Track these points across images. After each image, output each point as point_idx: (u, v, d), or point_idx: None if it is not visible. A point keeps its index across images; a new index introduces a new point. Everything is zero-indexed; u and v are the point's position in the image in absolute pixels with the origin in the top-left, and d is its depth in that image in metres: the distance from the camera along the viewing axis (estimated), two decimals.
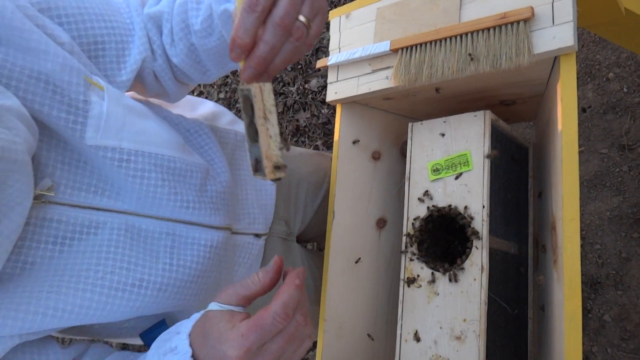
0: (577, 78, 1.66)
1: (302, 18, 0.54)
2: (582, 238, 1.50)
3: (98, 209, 0.65)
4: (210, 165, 0.78)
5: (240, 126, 0.93)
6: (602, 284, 1.42)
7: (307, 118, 2.21)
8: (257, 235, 0.89)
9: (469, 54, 0.78)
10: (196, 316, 0.59)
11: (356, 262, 0.96)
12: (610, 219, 1.47)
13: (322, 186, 1.07)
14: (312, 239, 1.18)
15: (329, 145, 2.13)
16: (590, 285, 1.43)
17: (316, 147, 2.17)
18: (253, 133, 0.56)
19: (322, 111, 2.19)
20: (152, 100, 0.83)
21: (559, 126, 0.71)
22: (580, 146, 1.60)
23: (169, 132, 0.72)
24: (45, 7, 0.62)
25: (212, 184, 0.77)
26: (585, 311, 1.42)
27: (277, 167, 0.56)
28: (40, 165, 0.60)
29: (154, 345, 0.62)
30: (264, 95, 0.54)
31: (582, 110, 1.63)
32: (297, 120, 2.26)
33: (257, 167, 0.57)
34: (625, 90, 1.56)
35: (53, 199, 0.61)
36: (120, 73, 0.69)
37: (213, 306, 0.57)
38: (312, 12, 0.55)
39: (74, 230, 0.63)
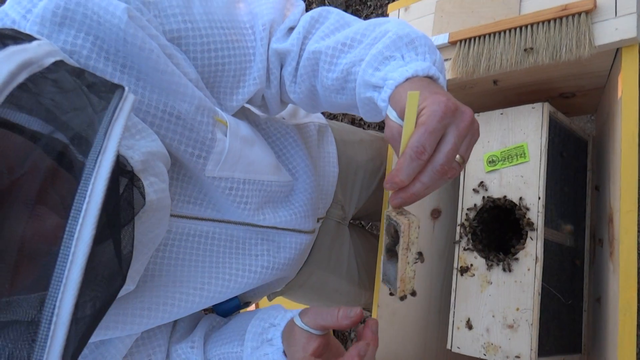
0: None
1: (457, 158, 0.54)
2: None
3: (202, 219, 0.71)
4: (295, 178, 0.84)
5: (314, 116, 0.97)
6: None
7: None
8: (317, 220, 0.92)
9: (525, 49, 0.78)
10: (288, 316, 0.67)
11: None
12: None
13: (379, 173, 1.09)
14: (363, 217, 1.22)
15: None
16: None
17: None
18: (391, 251, 0.62)
19: None
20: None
21: (619, 118, 0.71)
22: None
23: (267, 154, 0.77)
24: (177, 36, 0.64)
25: (299, 193, 0.83)
26: None
27: (408, 292, 0.62)
28: None
29: (251, 329, 0.70)
30: (410, 231, 0.57)
31: None
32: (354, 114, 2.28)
33: (385, 279, 0.64)
34: None
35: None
36: (232, 99, 0.72)
37: (297, 321, 0.64)
38: (467, 150, 0.56)
39: (181, 239, 0.69)
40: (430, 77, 0.60)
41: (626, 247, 0.67)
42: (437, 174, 0.53)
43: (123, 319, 0.65)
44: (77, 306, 0.37)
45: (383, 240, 0.63)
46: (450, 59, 0.89)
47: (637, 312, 0.65)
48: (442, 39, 0.89)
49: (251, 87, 0.72)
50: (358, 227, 1.16)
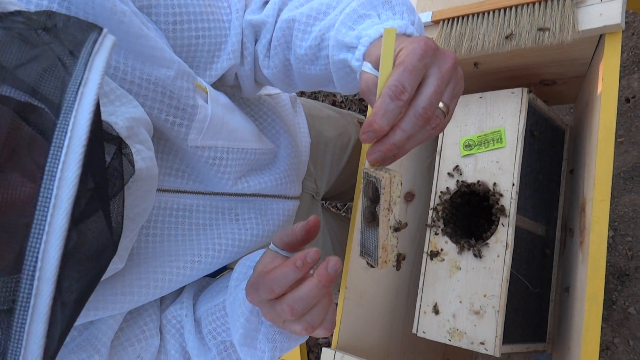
0: (624, 66, 1.61)
1: (441, 105, 0.50)
2: (614, 229, 1.47)
3: (185, 192, 0.67)
4: (277, 145, 0.81)
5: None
6: (630, 277, 1.40)
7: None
8: (301, 185, 0.90)
9: (506, 36, 0.76)
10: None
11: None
12: None
13: (347, 150, 1.08)
14: (332, 197, 1.20)
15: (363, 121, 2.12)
16: (618, 277, 1.41)
17: None
18: (369, 216, 0.54)
19: None
20: None
21: (598, 106, 0.70)
22: (620, 137, 1.56)
23: (248, 122, 0.74)
24: (146, 4, 0.60)
25: (282, 159, 0.80)
26: (610, 302, 1.40)
27: (391, 263, 0.56)
28: None
29: (234, 276, 0.66)
30: (392, 187, 0.51)
31: (625, 100, 1.58)
32: (334, 96, 2.26)
33: (364, 251, 0.57)
34: None
35: None
36: (205, 74, 0.68)
37: (270, 245, 0.60)
38: (452, 98, 0.51)
39: (164, 214, 0.66)
40: (408, 36, 0.55)
41: (596, 236, 0.66)
42: (420, 119, 0.48)
43: (112, 299, 0.61)
44: (61, 281, 0.33)
45: (360, 205, 0.55)
46: (432, 38, 0.86)
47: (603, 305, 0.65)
48: (425, 17, 0.87)
49: (224, 62, 0.69)
50: (329, 208, 1.15)
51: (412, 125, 0.48)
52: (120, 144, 0.47)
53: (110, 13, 0.53)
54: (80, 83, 0.34)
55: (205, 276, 0.78)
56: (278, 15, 0.69)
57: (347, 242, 0.94)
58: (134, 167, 0.49)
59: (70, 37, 0.38)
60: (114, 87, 0.52)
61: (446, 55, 0.50)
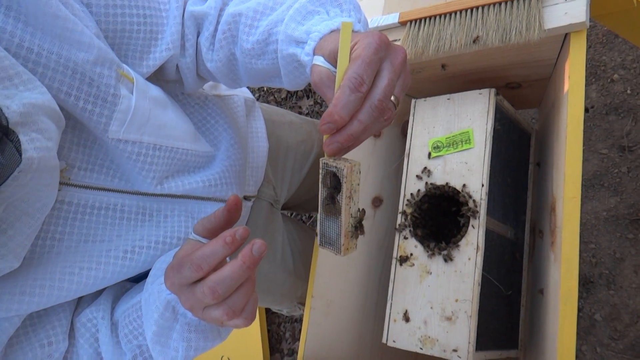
0: None
1: (392, 98, 0.52)
2: None
3: (109, 190, 0.63)
4: (217, 148, 0.77)
5: (239, 90, 0.91)
6: (595, 284, 1.41)
7: (310, 105, 2.18)
8: (247, 198, 0.87)
9: (473, 40, 0.76)
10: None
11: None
12: (606, 219, 1.45)
13: (310, 156, 1.05)
14: (295, 207, 1.17)
15: None
16: (583, 284, 1.42)
17: None
18: (329, 206, 0.56)
19: None
20: None
21: (565, 104, 0.69)
22: None
23: (183, 121, 0.71)
24: None
25: (218, 162, 0.76)
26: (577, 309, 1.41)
27: (352, 250, 0.57)
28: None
29: (153, 272, 0.64)
30: (352, 176, 0.53)
31: (584, 110, 1.61)
32: (300, 107, 2.24)
33: (325, 240, 0.58)
34: (628, 92, 1.55)
35: (65, 180, 0.59)
36: (142, 64, 0.65)
37: (190, 234, 0.59)
38: (402, 91, 0.54)
39: (84, 212, 0.61)
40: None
41: (569, 234, 0.65)
42: (376, 110, 0.50)
43: (8, 299, 0.56)
44: None
45: (319, 195, 0.56)
46: (400, 39, 0.85)
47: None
48: (392, 18, 0.86)
49: (163, 52, 0.66)
50: (291, 218, 1.12)
51: (368, 116, 0.50)
52: (6, 132, 0.43)
53: None
54: None
55: (129, 280, 0.73)
56: (222, 9, 0.68)
57: (312, 250, 0.91)
58: (21, 155, 0.45)
59: None
60: (20, 71, 0.49)
61: (398, 50, 0.52)
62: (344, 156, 0.56)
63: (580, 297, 1.41)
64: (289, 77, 0.65)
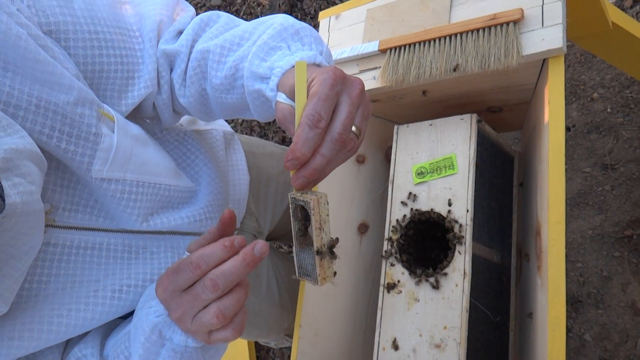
0: None
1: (354, 128, 0.53)
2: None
3: (95, 229, 0.63)
4: (198, 183, 0.78)
5: (218, 124, 0.92)
6: (583, 303, 1.40)
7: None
8: None
9: (454, 69, 0.76)
10: None
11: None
12: (592, 237, 1.46)
13: (292, 186, 1.05)
14: (279, 237, 1.16)
15: None
16: (571, 304, 1.42)
17: None
18: (302, 238, 0.58)
19: None
20: None
21: (546, 128, 0.70)
22: None
23: (164, 158, 0.71)
24: (54, 29, 0.58)
25: (202, 197, 0.76)
26: (566, 330, 1.40)
27: (329, 279, 0.59)
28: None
29: (143, 298, 0.63)
30: (320, 207, 0.55)
31: (566, 129, 1.63)
32: (284, 132, 2.24)
33: (302, 272, 0.59)
34: (609, 110, 1.57)
35: (50, 222, 0.59)
36: (121, 103, 0.66)
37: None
38: (362, 121, 0.55)
39: (70, 253, 0.61)
40: (318, 66, 0.59)
41: (554, 259, 0.65)
42: (337, 143, 0.51)
43: None
44: None
45: (292, 228, 0.58)
46: (380, 67, 0.86)
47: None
48: (373, 46, 0.87)
49: (142, 90, 0.67)
50: (276, 249, 1.11)
51: (330, 150, 0.52)
52: None
53: (4, 35, 0.50)
54: None
55: (119, 318, 0.72)
56: (192, 46, 0.69)
57: (298, 281, 0.90)
58: (4, 202, 0.45)
59: None
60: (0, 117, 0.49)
61: (354, 82, 0.54)
62: (314, 189, 0.58)
63: (569, 317, 1.41)
64: (258, 111, 0.66)
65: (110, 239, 0.65)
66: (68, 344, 0.67)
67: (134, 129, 0.67)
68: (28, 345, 0.57)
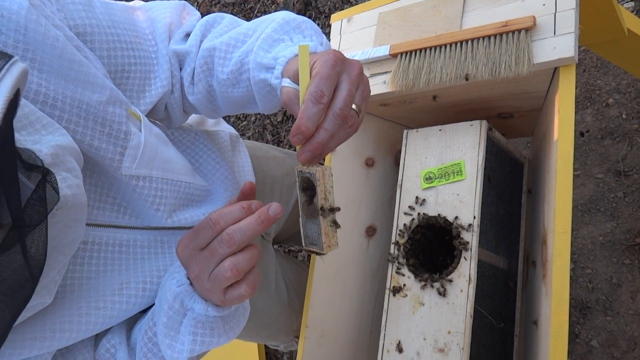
0: (577, 102, 1.65)
1: (354, 106, 0.58)
2: (574, 262, 1.48)
3: (121, 227, 0.66)
4: (211, 182, 0.81)
5: (224, 126, 0.94)
6: (592, 309, 1.40)
7: None
8: None
9: (465, 78, 0.77)
10: None
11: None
12: (602, 244, 1.45)
13: (295, 188, 1.06)
14: (286, 240, 1.18)
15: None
16: (580, 310, 1.41)
17: None
18: (308, 209, 0.61)
19: None
20: None
21: (555, 137, 0.70)
22: (576, 170, 1.59)
23: (181, 157, 0.75)
24: (82, 32, 0.61)
25: (219, 194, 0.80)
26: (573, 335, 1.40)
27: (334, 247, 0.62)
28: None
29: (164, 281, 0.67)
30: (325, 179, 0.59)
31: (580, 134, 1.62)
32: (280, 140, 2.25)
33: (308, 241, 0.63)
34: (624, 116, 1.56)
35: None
36: (139, 103, 0.69)
37: None
38: (362, 100, 0.59)
39: (100, 250, 0.64)
40: None
41: (559, 269, 0.65)
42: (339, 118, 0.55)
43: (41, 336, 0.58)
44: None
45: (299, 200, 0.62)
46: (391, 71, 0.86)
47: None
48: (384, 50, 0.87)
49: (159, 89, 0.71)
50: (283, 253, 1.12)
51: (333, 124, 0.56)
52: (44, 172, 0.45)
53: (43, 37, 0.53)
54: None
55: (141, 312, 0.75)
56: (200, 45, 0.73)
57: (305, 284, 0.91)
58: (58, 194, 0.47)
59: None
60: (40, 116, 0.51)
61: (353, 64, 0.58)
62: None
63: (577, 323, 1.41)
64: (263, 101, 0.70)
65: (137, 236, 0.68)
66: (97, 338, 0.70)
67: (156, 128, 0.70)
68: (69, 336, 0.60)
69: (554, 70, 0.75)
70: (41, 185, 0.44)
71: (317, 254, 0.64)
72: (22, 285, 0.42)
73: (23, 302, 0.43)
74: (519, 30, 0.74)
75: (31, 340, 0.57)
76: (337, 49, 0.58)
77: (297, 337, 0.92)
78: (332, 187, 0.60)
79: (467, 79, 0.77)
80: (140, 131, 0.64)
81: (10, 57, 0.39)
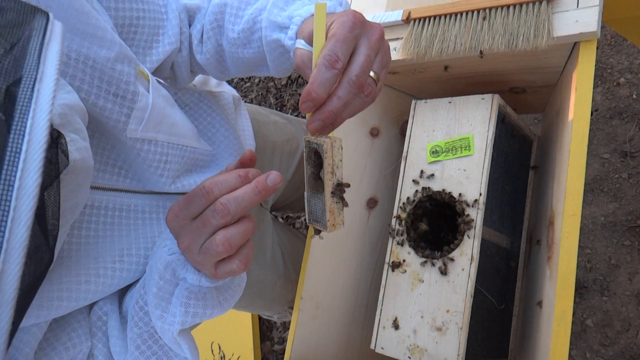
0: None
1: (372, 74, 0.53)
2: None
3: (121, 190, 0.63)
4: (216, 146, 0.77)
5: (227, 87, 0.91)
6: (588, 289, 1.39)
7: None
8: None
9: (480, 53, 0.73)
10: None
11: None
12: (603, 224, 1.44)
13: (296, 155, 1.04)
14: (284, 207, 1.16)
15: None
16: (576, 289, 1.41)
17: None
18: (314, 183, 0.57)
19: None
20: None
21: (570, 116, 0.67)
22: None
23: (186, 120, 0.71)
24: None
25: (224, 159, 0.77)
26: None
27: (339, 226, 0.58)
28: None
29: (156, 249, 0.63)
30: (334, 151, 0.54)
31: None
32: (300, 95, 2.21)
33: (312, 218, 0.58)
34: (634, 96, 1.52)
35: None
36: (145, 60, 0.65)
37: None
38: (381, 67, 0.54)
39: (99, 214, 0.60)
40: None
41: (566, 252, 0.63)
42: (354, 85, 0.51)
43: (38, 303, 0.54)
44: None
45: (305, 173, 0.57)
46: (402, 38, 0.82)
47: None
48: (396, 15, 0.83)
49: (166, 46, 0.67)
50: (281, 220, 1.10)
51: (347, 92, 0.51)
52: (55, 135, 0.42)
53: None
54: (35, 79, 0.30)
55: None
56: (211, 0, 0.69)
57: (302, 254, 0.89)
58: (68, 158, 0.43)
59: (11, 23, 0.33)
60: None
61: (374, 27, 0.53)
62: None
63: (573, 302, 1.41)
64: (275, 63, 0.66)
65: (137, 200, 0.64)
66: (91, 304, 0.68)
67: (163, 89, 0.66)
68: (67, 305, 0.57)
69: (573, 45, 0.71)
70: (52, 149, 0.41)
71: (321, 232, 0.60)
72: (41, 254, 0.39)
73: (42, 274, 0.40)
74: (540, 1, 0.70)
75: (29, 308, 0.54)
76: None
77: (292, 308, 0.90)
78: (341, 160, 0.55)
79: (481, 56, 0.73)
80: (149, 92, 0.60)
81: (48, 14, 0.35)
